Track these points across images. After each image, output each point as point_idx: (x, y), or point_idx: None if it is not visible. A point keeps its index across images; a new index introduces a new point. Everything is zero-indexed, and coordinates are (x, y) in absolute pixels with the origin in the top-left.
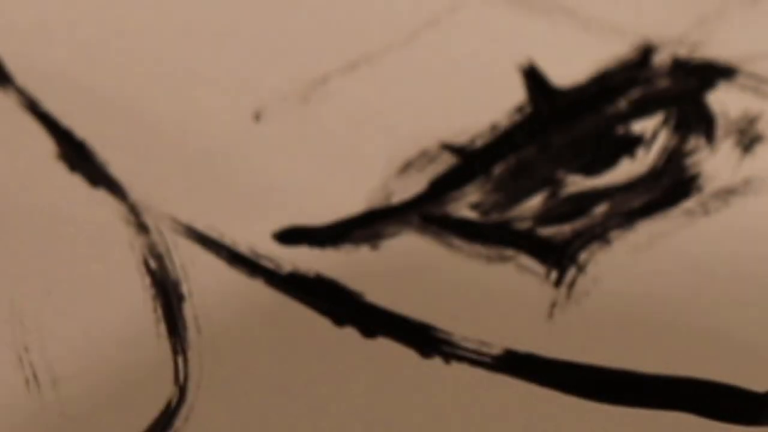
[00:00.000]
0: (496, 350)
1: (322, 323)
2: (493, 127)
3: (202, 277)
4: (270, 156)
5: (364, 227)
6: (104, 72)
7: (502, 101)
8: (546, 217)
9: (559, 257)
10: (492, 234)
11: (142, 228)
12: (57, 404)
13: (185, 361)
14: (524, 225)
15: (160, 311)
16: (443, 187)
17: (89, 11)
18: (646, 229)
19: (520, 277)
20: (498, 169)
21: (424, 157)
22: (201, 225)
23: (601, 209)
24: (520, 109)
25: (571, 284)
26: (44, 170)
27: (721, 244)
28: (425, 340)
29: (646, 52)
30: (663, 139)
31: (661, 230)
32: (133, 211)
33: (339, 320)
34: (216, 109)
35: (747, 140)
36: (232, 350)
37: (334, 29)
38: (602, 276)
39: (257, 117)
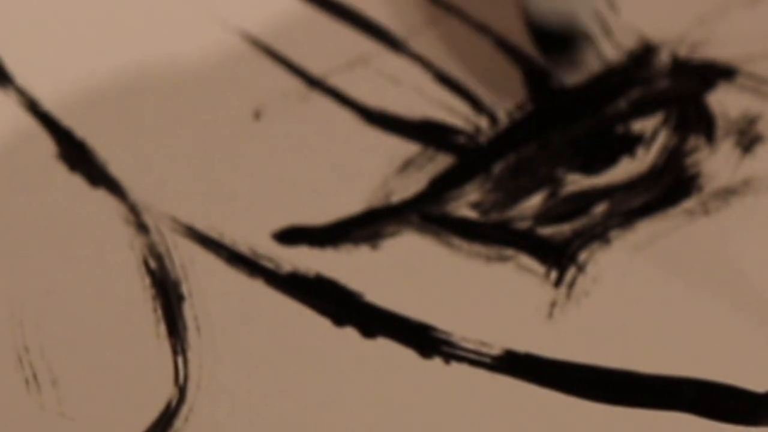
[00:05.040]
0: (496, 350)
1: (322, 323)
2: (493, 126)
3: (202, 277)
4: (270, 156)
5: (364, 227)
6: (104, 72)
7: (502, 100)
8: (546, 216)
9: (558, 257)
10: (492, 233)
11: (142, 228)
12: (57, 404)
13: (185, 361)
14: (524, 224)
15: (159, 311)
16: (443, 186)
17: (89, 11)
18: (646, 228)
19: (519, 277)
20: (498, 168)
21: (424, 156)
22: (201, 225)
23: (601, 209)
24: (520, 108)
25: (571, 284)
26: (44, 170)
27: (721, 244)
28: (425, 340)
29: (646, 52)
30: (663, 139)
31: (661, 230)
32: (133, 210)
33: (339, 320)
34: (216, 108)
35: (747, 140)
36: (232, 350)
37: (334, 29)
38: (602, 276)
39: (257, 117)
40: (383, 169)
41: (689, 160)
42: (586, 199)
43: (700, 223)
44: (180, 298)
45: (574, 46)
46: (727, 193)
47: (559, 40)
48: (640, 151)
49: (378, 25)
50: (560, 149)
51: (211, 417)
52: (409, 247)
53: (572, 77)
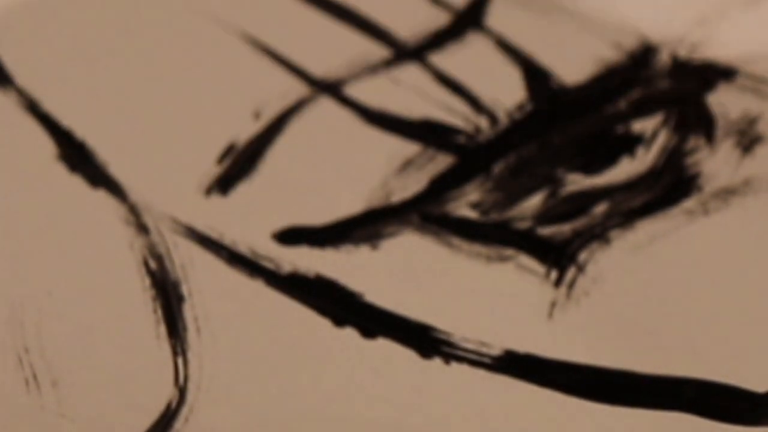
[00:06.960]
0: (496, 350)
1: (322, 323)
2: (493, 126)
3: (202, 277)
4: (270, 156)
5: (364, 227)
6: (104, 72)
7: (502, 100)
8: (546, 216)
9: (558, 257)
10: (492, 233)
11: (142, 228)
12: (57, 405)
13: (185, 362)
14: (524, 224)
15: (160, 312)
16: (443, 186)
17: (90, 12)
18: (646, 228)
19: (519, 277)
20: (498, 168)
21: (424, 156)
22: (201, 225)
23: (601, 208)
24: (520, 108)
25: (571, 284)
26: (44, 171)
27: (721, 244)
28: (425, 340)
29: (646, 52)
30: (663, 139)
31: (661, 230)
32: (133, 211)
33: (339, 320)
34: (216, 109)
35: (747, 141)
36: (232, 351)
37: (335, 32)
38: (602, 276)
39: (257, 117)
40: (383, 169)
41: (689, 160)
42: (586, 199)
43: (699, 223)
44: (180, 298)
45: None
46: (727, 193)
47: None
48: (640, 151)
49: (378, 26)
50: (560, 149)
51: (211, 418)
52: (409, 247)
53: None
